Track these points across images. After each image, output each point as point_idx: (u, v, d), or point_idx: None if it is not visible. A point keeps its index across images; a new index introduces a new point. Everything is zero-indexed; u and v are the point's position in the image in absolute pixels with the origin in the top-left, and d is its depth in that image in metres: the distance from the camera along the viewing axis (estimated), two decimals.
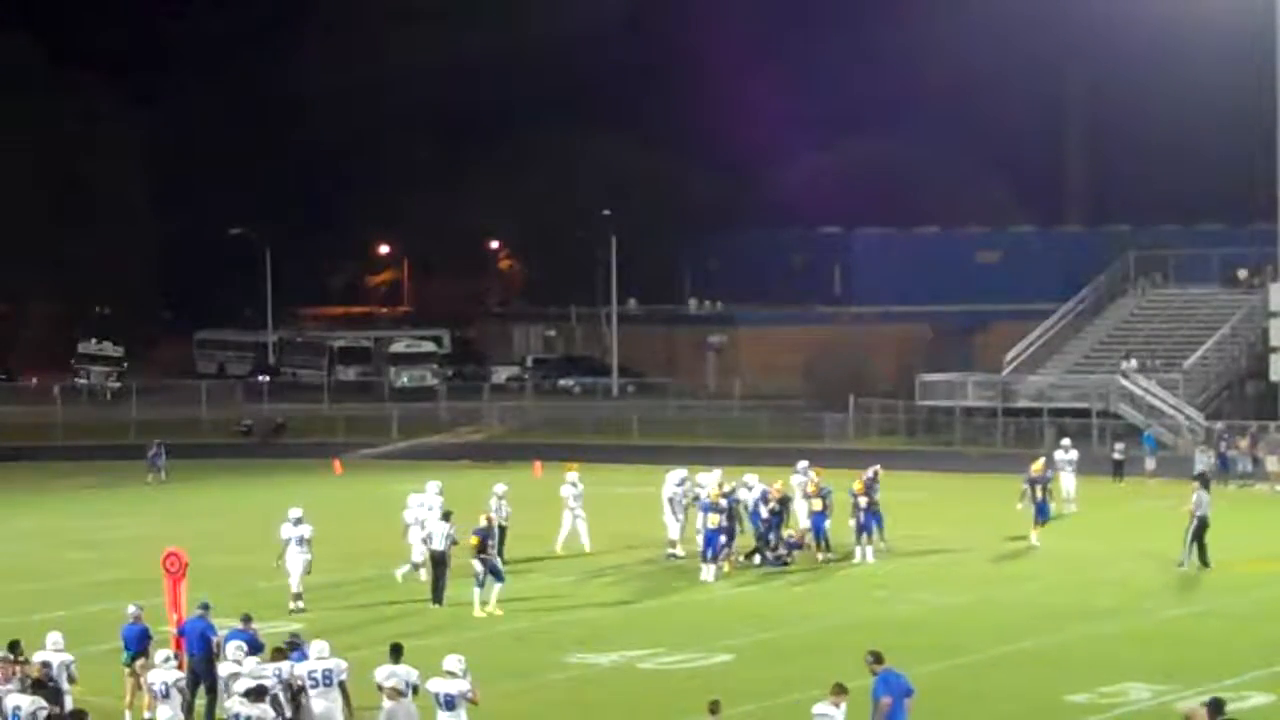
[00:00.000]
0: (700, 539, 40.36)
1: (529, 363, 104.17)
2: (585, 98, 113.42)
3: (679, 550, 42.36)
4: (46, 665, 25.22)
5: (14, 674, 24.57)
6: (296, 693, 24.62)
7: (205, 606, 28.10)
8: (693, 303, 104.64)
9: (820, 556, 41.72)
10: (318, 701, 24.63)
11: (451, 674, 23.76)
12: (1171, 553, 41.08)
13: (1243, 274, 75.61)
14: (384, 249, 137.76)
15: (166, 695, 24.82)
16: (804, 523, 42.68)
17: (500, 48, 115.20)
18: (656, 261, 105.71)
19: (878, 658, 23.63)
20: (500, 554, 37.85)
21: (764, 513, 41.47)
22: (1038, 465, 45.60)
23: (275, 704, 23.83)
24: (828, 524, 41.88)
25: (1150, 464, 58.65)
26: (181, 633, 28.13)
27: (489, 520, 37.48)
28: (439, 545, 36.85)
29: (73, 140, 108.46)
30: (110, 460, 67.75)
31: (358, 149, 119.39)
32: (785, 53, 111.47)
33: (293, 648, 25.47)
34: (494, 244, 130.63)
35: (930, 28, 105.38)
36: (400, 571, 39.34)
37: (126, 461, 65.67)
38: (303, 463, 68.05)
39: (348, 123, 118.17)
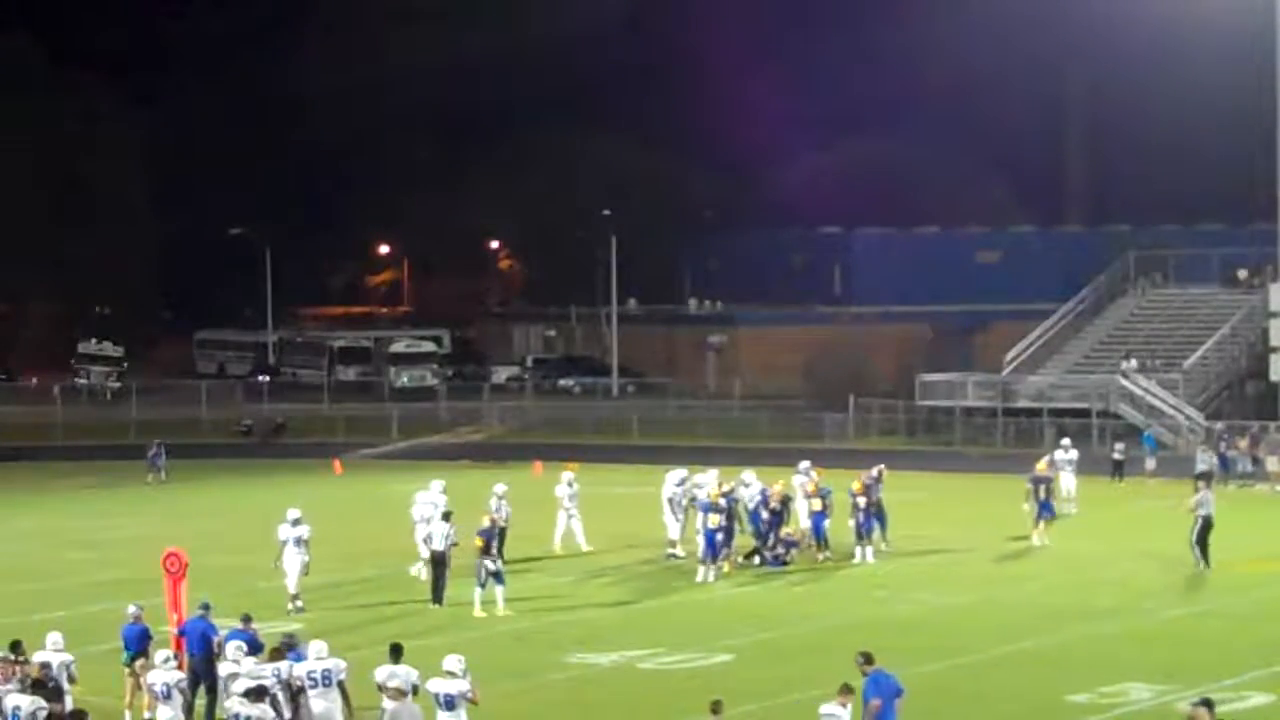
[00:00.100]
0: (700, 539, 40.37)
1: (529, 363, 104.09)
2: (585, 98, 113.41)
3: (679, 550, 42.32)
4: (46, 665, 25.21)
5: (14, 674, 24.57)
6: (296, 693, 24.62)
7: (206, 607, 28.09)
8: (693, 303, 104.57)
9: (820, 556, 41.72)
10: (317, 702, 24.63)
11: (451, 674, 23.76)
12: (1172, 553, 41.08)
13: (1243, 274, 75.56)
14: (384, 249, 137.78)
15: (167, 696, 24.82)
16: (804, 523, 42.69)
17: (500, 48, 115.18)
18: (656, 261, 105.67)
19: (868, 658, 23.63)
20: (500, 554, 37.83)
21: (765, 515, 41.49)
22: (1042, 465, 45.66)
23: (275, 704, 23.85)
24: (827, 524, 41.91)
25: (1150, 464, 58.61)
26: (182, 633, 28.12)
27: (491, 521, 37.52)
28: (439, 545, 36.86)
29: (73, 140, 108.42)
30: (110, 460, 67.68)
31: (358, 149, 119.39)
32: (785, 53, 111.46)
33: (288, 648, 25.47)
34: (494, 244, 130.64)
35: (930, 28, 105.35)
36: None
37: (126, 461, 65.60)
38: (303, 463, 68.01)
39: (348, 123, 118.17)
